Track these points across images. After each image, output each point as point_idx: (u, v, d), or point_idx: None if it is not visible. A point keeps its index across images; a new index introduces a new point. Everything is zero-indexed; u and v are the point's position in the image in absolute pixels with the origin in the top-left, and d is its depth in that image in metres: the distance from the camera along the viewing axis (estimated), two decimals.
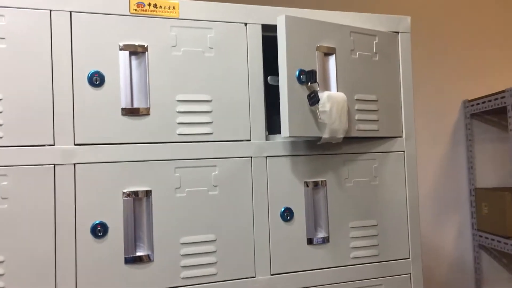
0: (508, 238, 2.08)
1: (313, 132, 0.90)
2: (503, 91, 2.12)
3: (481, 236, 2.30)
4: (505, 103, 2.11)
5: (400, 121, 1.05)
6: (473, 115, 2.38)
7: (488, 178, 2.41)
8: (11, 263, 0.78)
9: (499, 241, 2.15)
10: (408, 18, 1.07)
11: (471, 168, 2.39)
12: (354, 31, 0.97)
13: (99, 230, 0.82)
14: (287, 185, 0.95)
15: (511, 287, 2.05)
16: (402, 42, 1.06)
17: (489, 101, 2.19)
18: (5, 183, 0.78)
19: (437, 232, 2.35)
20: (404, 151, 1.06)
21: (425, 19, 2.32)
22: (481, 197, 2.33)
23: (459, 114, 2.41)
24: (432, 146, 2.38)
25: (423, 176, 2.36)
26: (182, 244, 0.88)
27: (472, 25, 2.45)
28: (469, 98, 2.37)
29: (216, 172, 0.91)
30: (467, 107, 2.37)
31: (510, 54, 2.44)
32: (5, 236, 0.78)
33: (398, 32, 1.06)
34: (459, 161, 2.42)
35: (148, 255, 0.86)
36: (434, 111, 2.39)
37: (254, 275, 0.93)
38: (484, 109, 2.25)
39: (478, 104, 2.30)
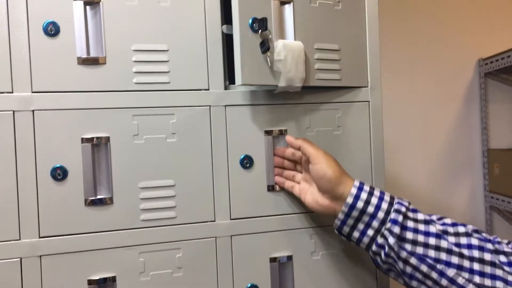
0: None
1: (268, 81, 0.91)
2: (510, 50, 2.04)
3: (492, 198, 2.26)
4: (508, 62, 2.04)
5: (365, 71, 1.04)
6: (488, 74, 2.31)
7: (502, 139, 2.36)
8: None
9: (509, 202, 2.11)
10: None
11: (484, 128, 2.34)
12: None
13: (59, 174, 0.88)
14: (247, 134, 0.98)
15: None
16: None
17: (502, 58, 2.11)
18: None
19: (449, 193, 2.32)
20: (369, 101, 1.05)
21: None
22: (493, 158, 2.28)
23: (473, 72, 2.34)
24: (445, 106, 2.34)
25: (435, 136, 2.32)
26: (141, 188, 0.92)
27: None
28: (484, 57, 2.29)
29: (174, 120, 0.94)
30: (482, 66, 2.30)
31: None
32: None
33: None
34: (473, 121, 2.37)
35: (108, 198, 0.90)
36: (447, 70, 2.33)
37: (214, 219, 0.97)
38: (499, 67, 2.17)
39: (492, 62, 2.22)
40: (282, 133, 0.99)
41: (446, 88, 2.31)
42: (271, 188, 1.00)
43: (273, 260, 1.00)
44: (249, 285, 0.98)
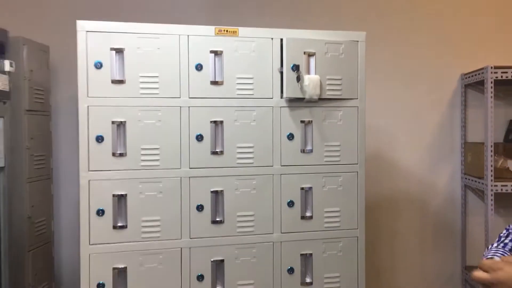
0: (481, 178, 2.85)
1: (299, 95, 1.84)
2: (482, 68, 2.84)
3: (466, 179, 3.08)
4: (483, 77, 2.84)
5: (356, 90, 1.95)
6: (467, 85, 3.11)
7: (476, 135, 3.15)
8: None
9: (475, 181, 2.93)
10: (364, 33, 1.95)
11: (463, 126, 3.16)
12: (328, 41, 1.88)
13: (199, 137, 1.82)
14: (291, 122, 1.89)
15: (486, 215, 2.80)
16: (360, 47, 1.95)
17: (478, 74, 2.90)
18: None
19: (435, 174, 3.16)
20: (358, 107, 1.96)
21: (424, 18, 3.05)
22: (468, 148, 3.11)
23: (457, 84, 3.17)
24: (435, 108, 3.17)
25: (425, 131, 3.16)
26: (237, 147, 1.86)
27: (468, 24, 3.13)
28: (465, 72, 3.09)
29: (255, 113, 1.87)
30: (463, 79, 3.11)
31: (495, 38, 3.10)
32: None
33: (358, 41, 1.94)
34: (455, 121, 3.20)
35: (220, 151, 1.84)
36: (438, 82, 3.16)
37: (272, 164, 1.89)
38: (476, 80, 2.95)
39: (471, 76, 3.01)
40: (309, 123, 1.91)
41: (437, 95, 3.14)
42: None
43: (302, 188, 1.92)
44: (288, 201, 1.91)
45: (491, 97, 2.73)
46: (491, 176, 2.71)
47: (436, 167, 3.14)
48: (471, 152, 3.02)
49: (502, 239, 1.32)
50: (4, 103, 2.17)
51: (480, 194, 3.02)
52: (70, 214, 2.77)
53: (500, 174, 2.82)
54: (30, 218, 2.38)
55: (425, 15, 3.04)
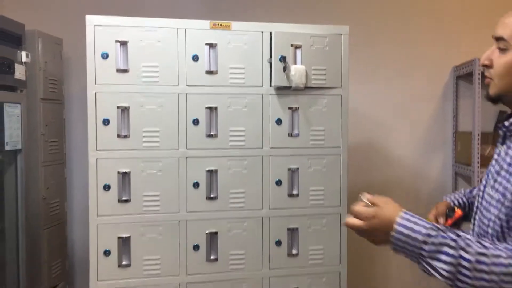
0: (469, 165, 3.00)
1: (286, 83, 2.03)
2: (471, 60, 2.97)
3: (457, 166, 3.24)
4: (471, 69, 2.98)
5: (339, 79, 2.13)
6: (459, 77, 3.25)
7: (466, 125, 3.30)
8: None
9: (464, 168, 3.09)
10: (347, 27, 2.12)
11: (455, 117, 3.31)
12: (313, 35, 2.06)
13: (196, 121, 2.02)
14: (279, 108, 2.08)
15: None
16: (344, 40, 2.12)
17: (469, 66, 3.05)
18: None
19: (428, 162, 3.31)
20: (341, 95, 2.14)
21: (419, 11, 3.19)
22: (458, 138, 3.26)
23: (449, 76, 3.31)
24: (429, 100, 3.32)
25: (419, 121, 3.31)
26: (230, 130, 2.06)
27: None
28: (457, 64, 3.23)
29: (246, 100, 2.06)
30: (455, 71, 3.25)
31: (487, 30, 3.23)
32: None
33: (341, 34, 2.12)
34: (448, 111, 3.34)
35: (214, 134, 2.05)
36: (433, 74, 3.31)
37: (261, 147, 2.09)
38: (467, 72, 3.09)
39: (462, 68, 3.15)
40: (296, 109, 2.10)
41: (430, 87, 3.28)
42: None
43: (289, 169, 2.11)
44: (276, 180, 2.10)
45: (479, 88, 2.87)
46: (478, 163, 2.86)
47: (429, 156, 3.29)
48: (461, 141, 3.17)
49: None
50: (21, 91, 2.40)
51: (469, 180, 3.17)
52: (81, 197, 2.99)
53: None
54: (45, 199, 2.58)
55: (419, 8, 3.19)
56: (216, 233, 2.07)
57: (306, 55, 2.07)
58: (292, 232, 2.13)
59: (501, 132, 1.16)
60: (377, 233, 1.09)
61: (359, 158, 3.03)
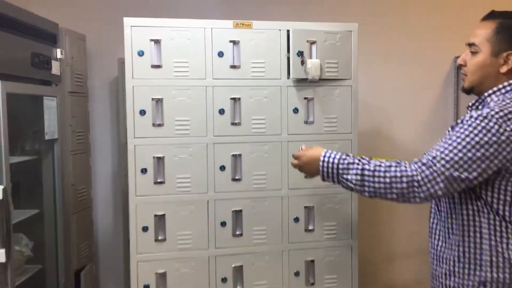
0: None
1: (303, 76, 2.26)
2: None
3: None
4: None
5: (350, 71, 2.35)
6: (460, 67, 3.45)
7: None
8: None
9: None
10: (356, 24, 2.35)
11: (456, 104, 3.52)
12: (326, 31, 2.29)
13: (221, 111, 2.26)
14: (296, 98, 2.31)
15: None
16: (353, 36, 2.35)
17: None
18: None
19: (429, 146, 3.50)
20: (351, 86, 2.37)
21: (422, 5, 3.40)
22: None
23: (450, 66, 3.52)
24: (431, 88, 3.53)
25: (422, 108, 3.52)
26: (252, 118, 2.29)
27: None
28: (458, 54, 3.43)
29: (266, 91, 2.29)
30: (456, 61, 3.46)
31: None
32: None
33: (351, 31, 2.34)
34: (449, 100, 3.56)
35: (238, 122, 2.28)
36: (435, 65, 3.52)
37: (280, 133, 2.32)
38: None
39: None
40: (311, 99, 2.33)
41: (432, 76, 3.50)
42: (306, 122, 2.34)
43: None
44: None
45: None
46: None
47: (431, 140, 3.49)
48: None
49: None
50: (56, 85, 2.64)
51: None
52: (103, 184, 3.22)
53: None
54: (73, 185, 2.80)
55: (422, 1, 3.40)
56: (240, 211, 2.31)
57: (320, 50, 2.29)
58: (309, 209, 2.37)
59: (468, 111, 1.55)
60: (308, 168, 1.66)
61: (367, 142, 3.26)
